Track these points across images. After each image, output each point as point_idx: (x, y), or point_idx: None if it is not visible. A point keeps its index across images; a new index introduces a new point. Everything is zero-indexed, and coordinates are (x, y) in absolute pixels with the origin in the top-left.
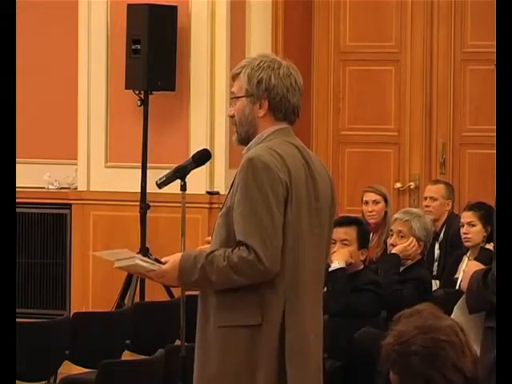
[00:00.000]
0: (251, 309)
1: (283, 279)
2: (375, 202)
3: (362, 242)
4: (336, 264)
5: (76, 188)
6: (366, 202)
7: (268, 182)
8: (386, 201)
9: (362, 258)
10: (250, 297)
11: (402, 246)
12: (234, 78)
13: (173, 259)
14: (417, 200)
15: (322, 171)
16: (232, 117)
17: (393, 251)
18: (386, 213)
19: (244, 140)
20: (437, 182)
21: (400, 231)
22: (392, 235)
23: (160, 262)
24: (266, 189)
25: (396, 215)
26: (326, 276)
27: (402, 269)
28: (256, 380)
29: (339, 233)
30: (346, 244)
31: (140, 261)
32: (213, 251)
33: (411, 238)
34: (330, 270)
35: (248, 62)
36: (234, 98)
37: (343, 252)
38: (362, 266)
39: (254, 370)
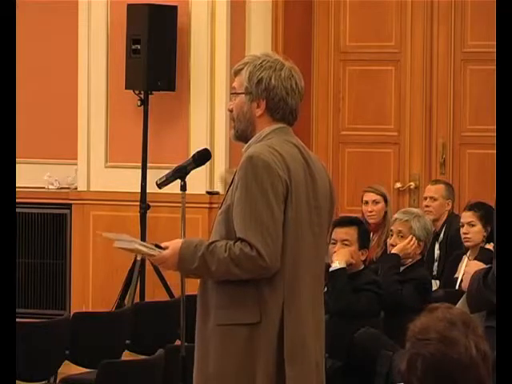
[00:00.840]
0: (250, 307)
1: (283, 278)
2: (375, 202)
3: (363, 243)
4: (336, 264)
5: (76, 188)
6: (366, 202)
7: (268, 179)
8: (385, 201)
9: (363, 258)
10: (249, 295)
11: (402, 244)
12: (236, 73)
13: (173, 245)
14: (417, 200)
15: (321, 171)
16: (231, 111)
17: (393, 251)
18: (385, 213)
19: (240, 136)
20: (437, 181)
21: (400, 231)
22: (392, 235)
23: (160, 247)
24: (266, 186)
25: (396, 215)
26: (326, 276)
27: (402, 268)
28: (255, 378)
29: (340, 233)
30: (346, 244)
31: (139, 245)
32: (214, 241)
33: (410, 236)
34: (331, 270)
35: (251, 59)
36: (233, 93)
37: (344, 252)
38: (363, 267)
39: (253, 367)
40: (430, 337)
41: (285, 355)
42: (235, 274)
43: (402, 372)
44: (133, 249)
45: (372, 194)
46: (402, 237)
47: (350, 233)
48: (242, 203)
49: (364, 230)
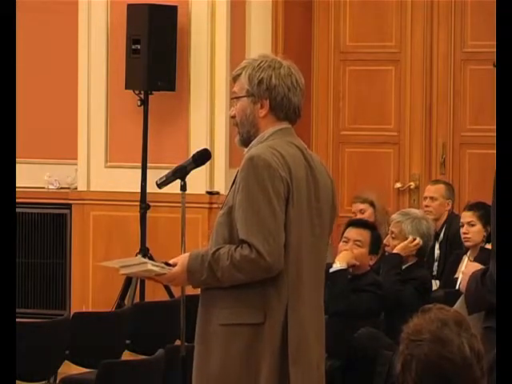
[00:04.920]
0: (254, 307)
1: (286, 278)
2: (362, 212)
3: (374, 248)
4: (337, 265)
5: (76, 188)
6: (355, 214)
7: (269, 179)
8: (373, 205)
9: (371, 263)
10: (253, 295)
11: (403, 244)
12: (235, 79)
13: (181, 261)
14: (417, 200)
15: (323, 172)
16: (233, 117)
17: (394, 251)
18: (376, 216)
19: (246, 141)
20: (437, 181)
21: (392, 232)
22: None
23: (169, 265)
24: (268, 186)
25: (393, 216)
26: (326, 276)
27: (404, 267)
28: (258, 378)
29: (354, 233)
30: (358, 245)
31: (151, 266)
32: (218, 249)
33: (410, 236)
34: (331, 270)
35: (249, 62)
36: (235, 97)
37: (346, 254)
38: (368, 270)
39: (256, 368)
40: (422, 337)
41: (289, 356)
42: (240, 279)
43: (397, 373)
44: (144, 270)
45: (357, 204)
46: (393, 237)
47: (363, 234)
48: (244, 204)
49: (377, 236)
